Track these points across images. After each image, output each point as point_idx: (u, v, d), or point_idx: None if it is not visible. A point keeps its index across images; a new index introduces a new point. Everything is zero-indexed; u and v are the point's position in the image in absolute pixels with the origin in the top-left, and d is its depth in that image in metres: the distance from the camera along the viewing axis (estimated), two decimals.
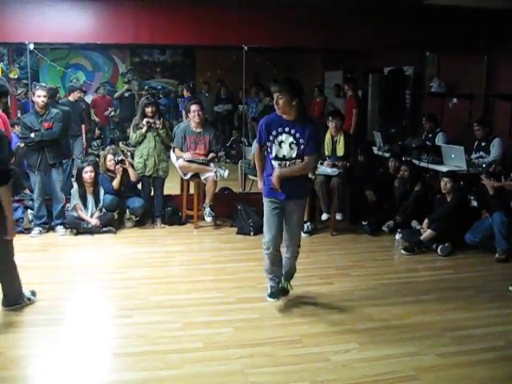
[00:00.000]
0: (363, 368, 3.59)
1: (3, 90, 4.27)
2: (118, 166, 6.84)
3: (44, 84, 7.17)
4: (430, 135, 8.10)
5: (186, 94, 11.22)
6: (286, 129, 4.26)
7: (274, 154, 4.32)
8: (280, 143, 4.29)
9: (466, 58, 8.13)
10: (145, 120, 6.83)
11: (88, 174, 6.66)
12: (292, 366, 3.61)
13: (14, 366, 3.56)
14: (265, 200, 4.41)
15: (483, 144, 7.16)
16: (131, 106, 11.48)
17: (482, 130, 7.18)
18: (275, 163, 4.33)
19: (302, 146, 4.25)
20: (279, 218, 4.37)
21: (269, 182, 4.32)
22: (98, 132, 11.37)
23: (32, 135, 6.43)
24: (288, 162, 4.31)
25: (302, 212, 4.55)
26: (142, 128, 6.83)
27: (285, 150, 4.29)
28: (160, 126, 6.87)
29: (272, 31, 7.17)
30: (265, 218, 4.44)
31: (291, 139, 4.26)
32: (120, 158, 6.87)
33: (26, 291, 4.54)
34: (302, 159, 4.30)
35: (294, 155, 4.28)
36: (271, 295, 4.55)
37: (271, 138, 4.30)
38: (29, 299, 4.53)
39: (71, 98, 8.67)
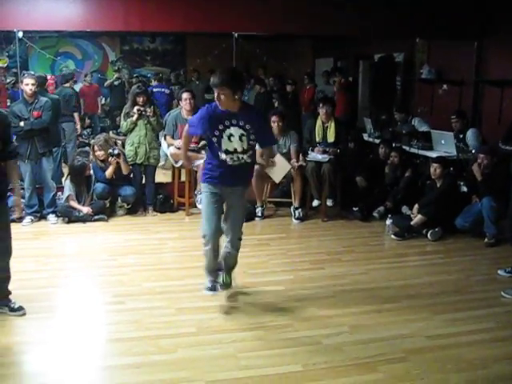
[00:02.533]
0: (354, 351, 3.63)
1: None
2: (112, 159, 6.81)
3: (32, 72, 7.14)
4: (404, 125, 8.14)
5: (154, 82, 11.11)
6: (234, 121, 3.99)
7: (223, 148, 4.06)
8: (229, 137, 4.03)
9: (455, 44, 8.15)
10: (135, 108, 6.81)
11: (88, 171, 6.79)
12: (284, 350, 3.65)
13: (9, 353, 3.58)
14: (203, 187, 4.21)
15: (461, 136, 7.16)
16: (121, 94, 11.41)
17: (460, 122, 7.18)
18: (226, 157, 4.07)
19: (253, 137, 4.05)
20: (218, 208, 4.18)
21: (210, 170, 4.15)
22: (88, 121, 11.32)
23: (21, 124, 6.40)
24: (240, 155, 4.07)
25: (243, 201, 4.32)
26: (132, 116, 6.82)
27: (235, 144, 4.04)
28: (151, 114, 6.86)
29: (262, 18, 7.15)
30: (203, 210, 4.22)
31: (241, 131, 4.01)
32: (116, 153, 6.82)
33: (16, 303, 4.19)
34: (252, 150, 4.13)
35: (245, 147, 4.06)
36: (211, 288, 4.34)
37: (217, 132, 4.03)
38: (12, 310, 4.13)
39: (68, 85, 8.77)
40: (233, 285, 4.45)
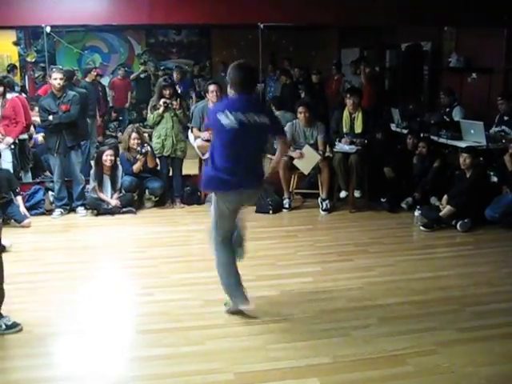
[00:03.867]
0: (383, 343, 3.61)
1: None
2: (140, 156, 6.87)
3: (60, 67, 7.22)
4: (447, 109, 8.02)
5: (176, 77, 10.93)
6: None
7: None
8: None
9: (484, 31, 8.00)
10: (162, 100, 6.84)
11: (108, 157, 6.71)
12: (312, 342, 3.65)
13: (41, 344, 3.64)
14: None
15: (506, 118, 7.05)
16: (147, 87, 11.50)
17: (505, 103, 7.06)
18: None
19: None
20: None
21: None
22: (114, 114, 11.42)
23: (50, 118, 6.48)
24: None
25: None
26: (159, 108, 6.85)
27: None
28: (177, 107, 6.88)
29: (288, 8, 7.12)
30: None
31: None
32: (145, 151, 6.88)
33: (7, 318, 3.82)
34: None
35: None
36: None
37: None
38: (7, 327, 3.78)
39: (88, 79, 8.74)
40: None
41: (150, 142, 7.14)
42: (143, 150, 6.86)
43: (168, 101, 6.84)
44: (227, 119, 3.74)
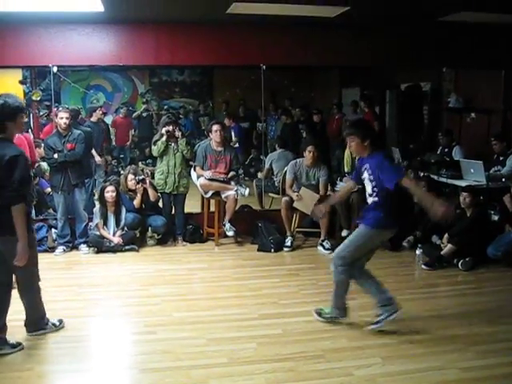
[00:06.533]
0: (387, 382, 3.61)
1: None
2: (138, 186, 6.94)
3: (66, 106, 7.33)
4: (446, 149, 8.12)
5: (228, 122, 10.97)
6: (366, 165, 4.32)
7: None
8: (364, 181, 4.38)
9: (483, 73, 8.15)
10: (164, 129, 6.92)
11: (110, 193, 6.75)
12: (315, 381, 3.64)
13: (42, 382, 3.63)
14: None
15: (501, 158, 7.18)
16: (149, 125, 11.64)
17: (499, 144, 7.22)
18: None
19: (374, 182, 4.25)
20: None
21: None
22: (109, 156, 11.43)
23: (55, 156, 6.57)
24: (370, 199, 4.33)
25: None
26: (162, 137, 6.93)
27: (367, 187, 4.34)
28: (180, 136, 6.95)
29: (289, 50, 7.27)
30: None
31: (366, 175, 4.30)
32: (141, 178, 6.96)
33: (54, 319, 4.45)
34: (378, 195, 4.27)
35: (370, 191, 4.30)
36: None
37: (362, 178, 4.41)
38: (54, 325, 4.41)
39: (93, 118, 8.81)
40: None
41: (152, 179, 7.19)
42: (140, 178, 6.94)
43: (170, 128, 6.90)
44: None
